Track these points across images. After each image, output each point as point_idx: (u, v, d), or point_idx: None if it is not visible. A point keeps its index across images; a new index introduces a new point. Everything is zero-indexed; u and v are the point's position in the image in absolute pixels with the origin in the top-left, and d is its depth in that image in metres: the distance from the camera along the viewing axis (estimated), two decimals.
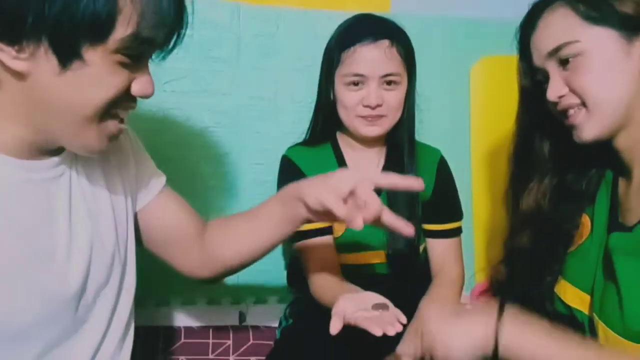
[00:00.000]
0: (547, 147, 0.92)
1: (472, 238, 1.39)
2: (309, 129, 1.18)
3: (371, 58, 1.04)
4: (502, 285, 0.96)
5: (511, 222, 0.98)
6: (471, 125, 1.38)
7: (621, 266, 0.77)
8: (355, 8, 1.20)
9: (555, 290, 0.90)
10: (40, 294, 0.69)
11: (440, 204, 1.16)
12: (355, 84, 1.06)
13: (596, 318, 0.81)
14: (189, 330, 1.19)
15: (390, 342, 0.96)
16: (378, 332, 0.76)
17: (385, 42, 1.05)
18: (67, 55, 0.62)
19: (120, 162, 0.85)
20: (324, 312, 1.07)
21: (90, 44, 0.62)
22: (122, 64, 0.65)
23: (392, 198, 1.11)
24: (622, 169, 0.85)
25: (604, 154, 0.86)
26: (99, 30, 0.61)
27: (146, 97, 0.70)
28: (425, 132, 1.24)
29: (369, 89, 1.05)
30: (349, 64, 1.05)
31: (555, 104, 0.85)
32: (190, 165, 1.24)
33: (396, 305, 0.90)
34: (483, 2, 1.35)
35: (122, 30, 0.62)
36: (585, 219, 0.89)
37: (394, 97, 1.07)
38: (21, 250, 0.68)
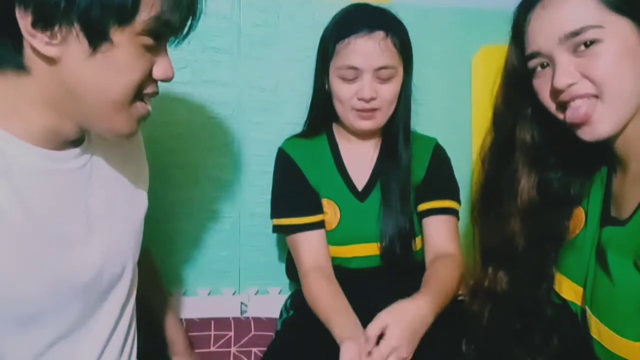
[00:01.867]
0: (530, 140, 0.87)
1: (472, 230, 1.39)
2: (306, 120, 1.18)
3: (365, 50, 1.03)
4: (503, 295, 0.92)
5: (494, 226, 0.92)
6: (472, 114, 1.38)
7: (614, 261, 0.76)
8: None
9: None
10: (54, 281, 0.70)
11: (432, 182, 1.13)
12: (350, 77, 1.04)
13: (588, 310, 0.80)
14: (191, 322, 1.19)
15: None
16: None
17: (380, 34, 1.03)
18: (97, 37, 0.65)
19: (137, 158, 0.87)
20: None
21: (119, 26, 0.65)
22: (146, 47, 0.68)
23: (385, 186, 1.11)
24: (617, 163, 0.83)
25: (598, 148, 0.82)
26: (126, 12, 0.65)
27: (167, 80, 0.73)
28: (427, 122, 1.24)
29: (362, 82, 1.04)
30: (343, 56, 1.04)
31: (556, 94, 0.79)
32: (192, 156, 1.24)
33: (389, 300, 0.91)
34: None
35: (146, 12, 0.66)
36: (580, 212, 0.87)
37: (389, 90, 1.06)
38: (38, 237, 0.69)
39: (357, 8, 1.09)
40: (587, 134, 0.78)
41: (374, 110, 1.06)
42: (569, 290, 0.85)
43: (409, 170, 1.12)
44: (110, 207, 0.79)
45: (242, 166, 1.27)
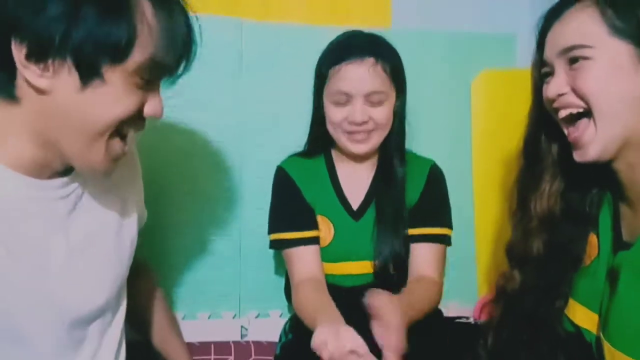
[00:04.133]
0: (555, 148, 0.90)
1: (474, 252, 1.39)
2: (306, 142, 1.19)
3: (356, 76, 1.05)
4: (514, 296, 0.93)
5: (519, 225, 0.94)
6: (472, 138, 1.39)
7: (624, 283, 0.76)
8: (357, 24, 1.21)
9: (564, 310, 0.89)
10: (38, 307, 0.72)
11: (425, 207, 1.14)
12: (342, 102, 1.07)
13: (602, 338, 0.80)
14: (190, 346, 1.18)
15: None
16: None
17: (371, 60, 1.05)
18: (88, 73, 0.66)
19: (129, 186, 0.88)
20: None
21: (111, 65, 0.66)
22: (138, 86, 0.70)
23: (379, 207, 1.12)
24: (623, 190, 0.84)
25: (603, 174, 0.84)
26: (119, 52, 0.66)
27: (156, 117, 0.74)
28: (427, 145, 1.24)
29: (354, 107, 1.06)
30: (335, 81, 1.07)
31: (552, 101, 0.83)
32: (193, 179, 1.25)
33: None
34: (483, 16, 1.36)
35: (140, 54, 0.67)
36: (593, 239, 0.88)
37: (381, 113, 1.07)
38: (18, 262, 0.70)
39: (350, 36, 1.12)
40: (578, 156, 0.82)
41: (367, 132, 1.08)
42: (583, 317, 0.85)
43: (404, 192, 1.13)
44: (91, 238, 0.80)
45: (243, 188, 1.27)
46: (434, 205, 1.15)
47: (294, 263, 1.10)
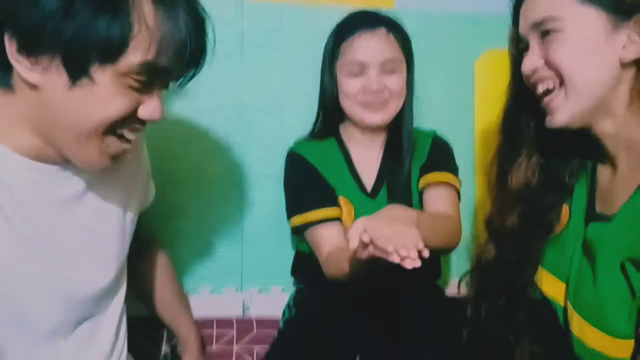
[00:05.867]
0: (534, 122, 0.89)
1: (476, 232, 1.40)
2: (314, 123, 1.20)
3: (370, 45, 1.07)
4: (489, 267, 0.94)
5: (497, 198, 0.95)
6: (475, 118, 1.39)
7: (601, 259, 0.77)
8: (359, 3, 1.21)
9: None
10: (44, 286, 0.74)
11: (433, 161, 1.15)
12: (356, 72, 1.07)
13: (570, 307, 0.81)
14: None
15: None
16: (395, 259, 0.73)
17: (382, 30, 1.08)
18: (77, 72, 0.64)
19: (134, 167, 0.88)
20: (328, 303, 1.10)
21: (100, 65, 0.64)
22: (131, 87, 0.67)
23: (391, 187, 1.13)
24: (604, 158, 0.84)
25: (585, 143, 0.84)
26: (109, 53, 0.64)
27: (153, 121, 0.71)
28: (430, 125, 1.24)
29: (369, 76, 1.07)
30: (349, 53, 1.08)
31: (529, 77, 0.83)
32: (196, 160, 1.26)
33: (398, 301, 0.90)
34: None
35: (135, 55, 0.64)
36: (564, 208, 0.89)
37: (396, 82, 1.09)
38: (29, 244, 0.72)
39: (359, 12, 1.14)
40: (548, 121, 0.82)
41: (383, 102, 1.09)
42: (550, 285, 0.86)
43: (410, 171, 1.14)
44: (95, 221, 0.80)
45: (245, 167, 1.28)
46: (441, 158, 1.16)
47: (320, 240, 1.07)
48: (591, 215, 0.84)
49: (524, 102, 0.89)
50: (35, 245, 0.73)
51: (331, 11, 1.18)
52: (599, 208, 0.84)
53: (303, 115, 1.22)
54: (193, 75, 0.72)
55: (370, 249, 0.77)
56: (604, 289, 0.76)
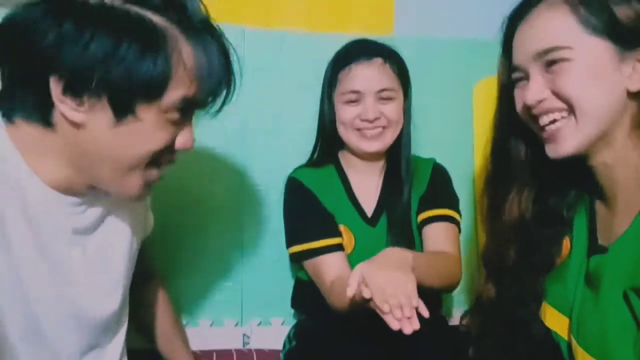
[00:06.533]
0: (525, 153, 0.87)
1: (477, 260, 1.38)
2: (312, 150, 1.20)
3: (366, 75, 1.08)
4: (490, 305, 0.92)
5: (492, 232, 0.93)
6: (474, 144, 1.39)
7: (605, 291, 0.75)
8: (358, 31, 1.22)
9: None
10: (61, 312, 0.76)
11: (433, 193, 1.15)
12: (353, 100, 1.09)
13: (574, 342, 0.79)
14: (192, 353, 1.18)
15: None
16: (393, 325, 0.75)
17: (379, 60, 1.09)
18: (123, 111, 0.67)
19: (139, 207, 0.90)
20: (328, 333, 1.08)
21: (145, 103, 0.68)
22: (171, 122, 0.71)
23: (390, 214, 1.13)
24: (601, 190, 0.82)
25: (579, 174, 0.83)
26: (153, 92, 0.68)
27: (186, 150, 0.76)
28: (429, 151, 1.24)
29: (365, 104, 1.08)
30: (346, 82, 1.09)
31: (528, 108, 0.80)
32: (195, 186, 1.25)
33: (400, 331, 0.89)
34: (484, 23, 1.35)
35: (176, 92, 0.69)
36: (565, 241, 0.87)
37: (392, 109, 1.10)
38: (48, 270, 0.74)
39: (357, 42, 1.15)
40: (552, 151, 0.80)
41: (380, 129, 1.10)
42: (553, 319, 0.85)
43: (410, 198, 1.14)
44: (106, 251, 0.82)
45: (245, 195, 1.27)
46: (441, 191, 1.17)
47: (322, 271, 1.07)
48: (593, 247, 0.82)
49: (515, 132, 0.87)
50: (49, 271, 0.74)
51: (330, 39, 1.19)
52: (601, 240, 0.82)
53: (302, 141, 1.22)
54: (224, 104, 0.76)
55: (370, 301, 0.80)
56: (608, 322, 0.74)
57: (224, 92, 0.74)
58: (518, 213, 0.88)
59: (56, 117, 0.69)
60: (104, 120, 0.67)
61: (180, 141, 0.74)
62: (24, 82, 0.68)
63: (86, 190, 0.76)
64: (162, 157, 0.74)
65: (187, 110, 0.72)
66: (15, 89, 0.69)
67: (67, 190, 0.74)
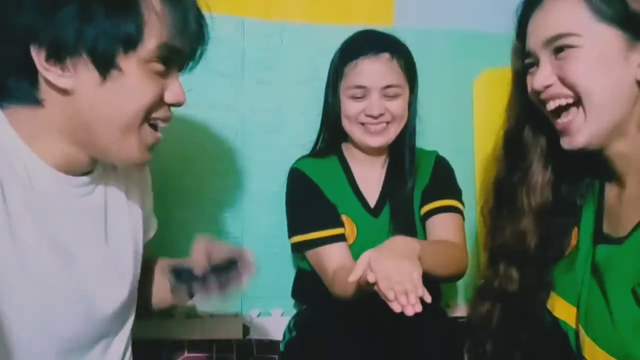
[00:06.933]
0: (542, 139, 0.87)
1: (477, 254, 1.38)
2: (315, 141, 1.20)
3: (373, 70, 1.07)
4: (496, 295, 0.92)
5: (507, 222, 0.91)
6: (474, 137, 1.39)
7: (612, 284, 0.76)
8: (358, 22, 1.22)
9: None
10: (71, 301, 0.75)
11: (436, 185, 1.16)
12: (358, 95, 1.08)
13: (582, 332, 0.79)
14: (193, 344, 1.19)
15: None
16: (396, 309, 0.76)
17: (386, 55, 1.08)
18: (105, 66, 0.69)
19: (141, 191, 0.91)
20: (328, 324, 1.08)
21: (124, 53, 0.69)
22: (156, 72, 0.72)
23: (393, 205, 1.13)
24: (613, 179, 0.83)
25: (594, 163, 0.83)
26: (130, 42, 0.69)
27: (179, 104, 0.77)
28: (429, 144, 1.24)
29: (371, 100, 1.08)
30: (352, 76, 1.08)
31: (538, 93, 0.81)
32: (195, 177, 1.25)
33: (399, 321, 0.89)
34: (484, 15, 1.36)
35: (153, 39, 0.70)
36: (574, 230, 0.87)
37: (397, 106, 1.10)
38: (59, 259, 0.73)
39: (365, 33, 1.14)
40: (565, 143, 0.81)
41: (385, 125, 1.10)
42: (561, 309, 0.85)
43: (413, 190, 1.15)
44: (114, 237, 0.83)
45: (246, 187, 1.27)
46: (444, 182, 1.17)
47: (324, 260, 1.07)
48: (599, 236, 0.82)
49: (529, 119, 0.87)
50: (59, 255, 0.74)
51: (331, 30, 1.19)
52: (606, 229, 0.82)
53: (304, 133, 1.22)
54: (201, 55, 0.77)
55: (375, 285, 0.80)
56: (617, 315, 0.74)
57: (198, 38, 0.76)
58: (541, 199, 0.88)
59: (43, 93, 0.70)
60: (90, 80, 0.69)
61: (170, 95, 0.75)
62: (5, 61, 0.70)
63: (90, 165, 0.77)
64: (155, 113, 0.75)
65: (168, 60, 0.73)
66: None
67: (72, 169, 0.75)
